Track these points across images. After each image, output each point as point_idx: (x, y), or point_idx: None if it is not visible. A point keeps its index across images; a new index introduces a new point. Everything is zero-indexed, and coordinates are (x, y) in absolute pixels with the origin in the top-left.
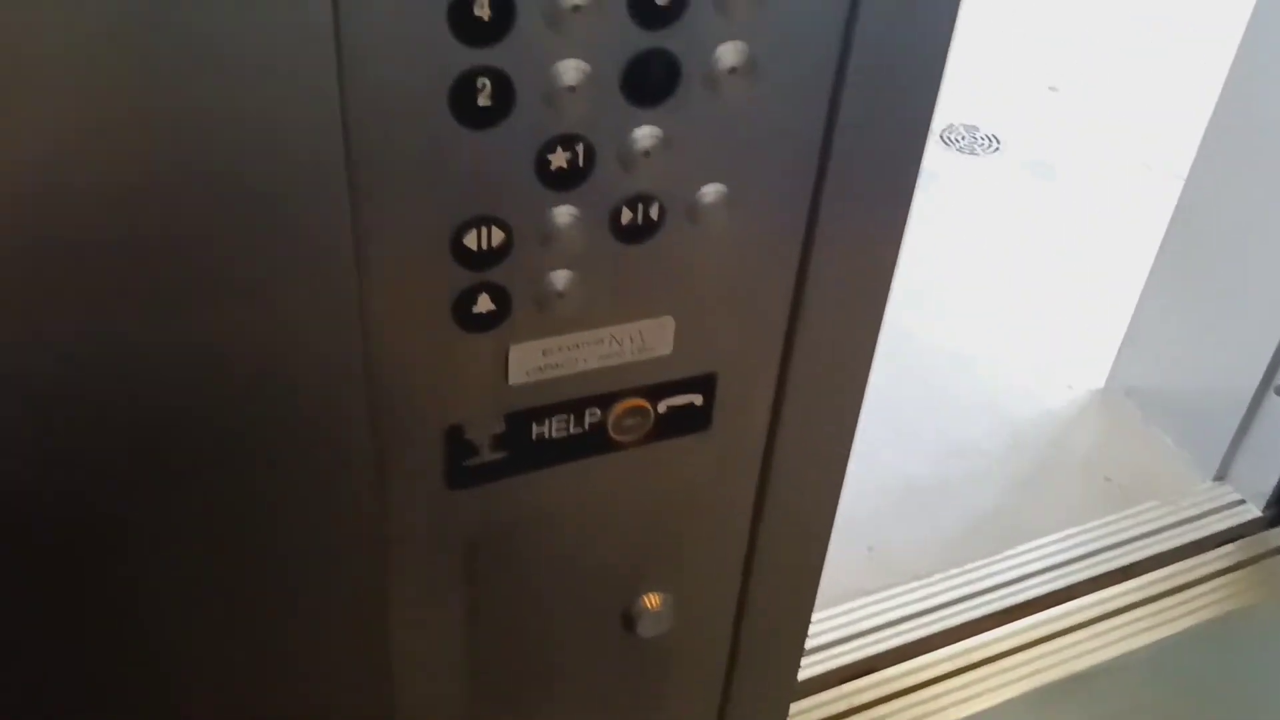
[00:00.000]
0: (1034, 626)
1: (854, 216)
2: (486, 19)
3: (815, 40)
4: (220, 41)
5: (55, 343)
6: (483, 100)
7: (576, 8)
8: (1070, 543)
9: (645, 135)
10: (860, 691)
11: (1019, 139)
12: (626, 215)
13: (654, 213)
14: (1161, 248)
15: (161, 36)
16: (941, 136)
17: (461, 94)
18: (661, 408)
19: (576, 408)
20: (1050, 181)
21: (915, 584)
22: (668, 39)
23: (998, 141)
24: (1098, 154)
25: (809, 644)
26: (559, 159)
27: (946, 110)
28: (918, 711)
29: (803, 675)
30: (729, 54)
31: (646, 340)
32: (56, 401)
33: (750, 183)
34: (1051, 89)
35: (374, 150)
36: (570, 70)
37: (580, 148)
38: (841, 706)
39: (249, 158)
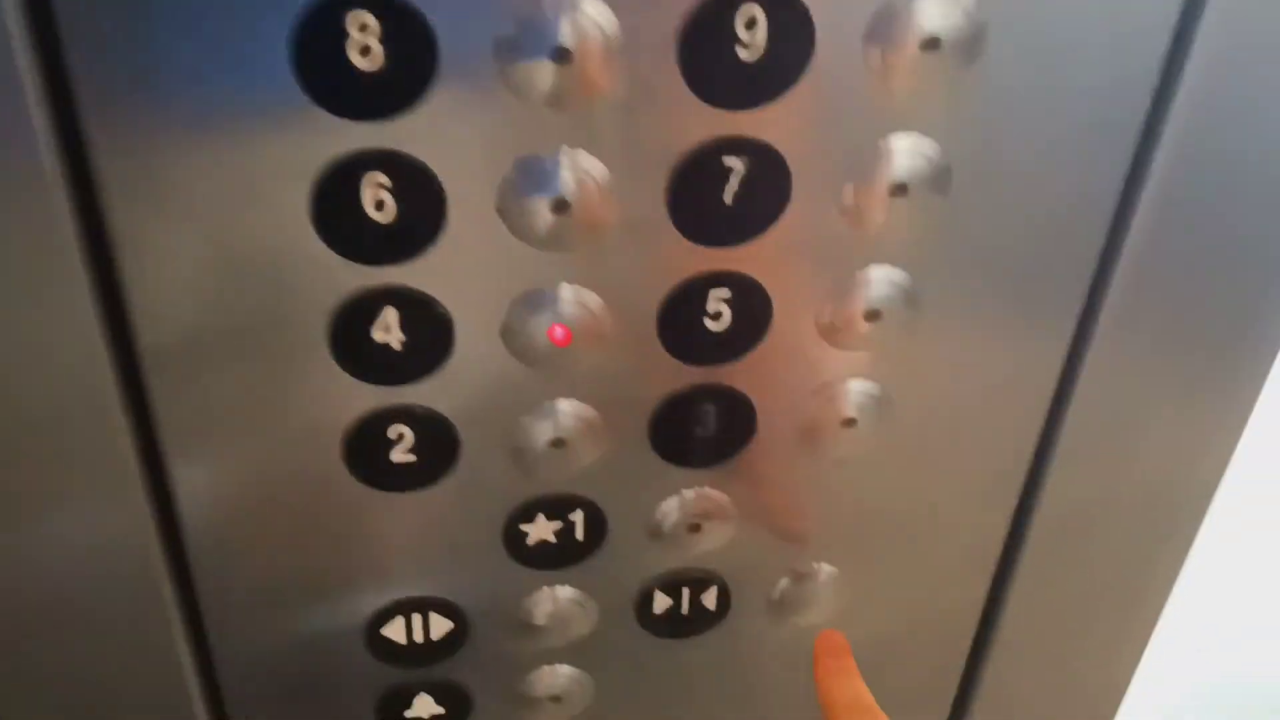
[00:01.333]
0: None
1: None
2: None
3: None
4: None
5: None
6: (399, 455)
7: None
8: None
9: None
10: None
11: None
12: (661, 602)
13: (709, 600)
14: None
15: None
16: None
17: (365, 440)
18: None
19: None
20: None
21: None
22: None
23: None
24: None
25: None
26: (540, 530)
27: None
28: None
29: None
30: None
31: None
32: None
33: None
34: None
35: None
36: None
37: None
38: None
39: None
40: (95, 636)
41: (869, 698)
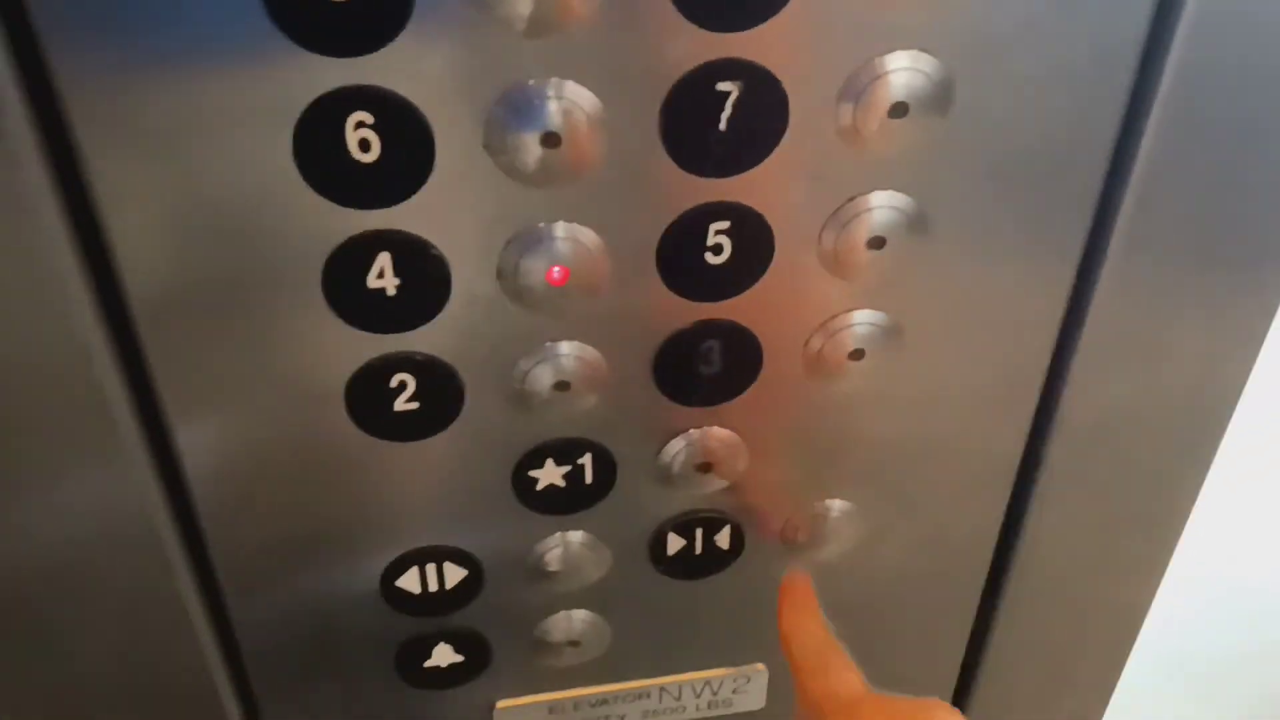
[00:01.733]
0: None
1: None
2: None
3: None
4: None
5: None
6: (403, 404)
7: None
8: None
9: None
10: None
11: None
12: (675, 544)
13: (722, 540)
14: None
15: None
16: None
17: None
18: None
19: None
20: None
21: None
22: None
23: None
24: None
25: None
26: (549, 474)
27: None
28: None
29: None
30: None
31: (722, 694)
32: None
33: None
34: None
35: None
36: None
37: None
38: None
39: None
40: (107, 610)
41: (825, 632)
